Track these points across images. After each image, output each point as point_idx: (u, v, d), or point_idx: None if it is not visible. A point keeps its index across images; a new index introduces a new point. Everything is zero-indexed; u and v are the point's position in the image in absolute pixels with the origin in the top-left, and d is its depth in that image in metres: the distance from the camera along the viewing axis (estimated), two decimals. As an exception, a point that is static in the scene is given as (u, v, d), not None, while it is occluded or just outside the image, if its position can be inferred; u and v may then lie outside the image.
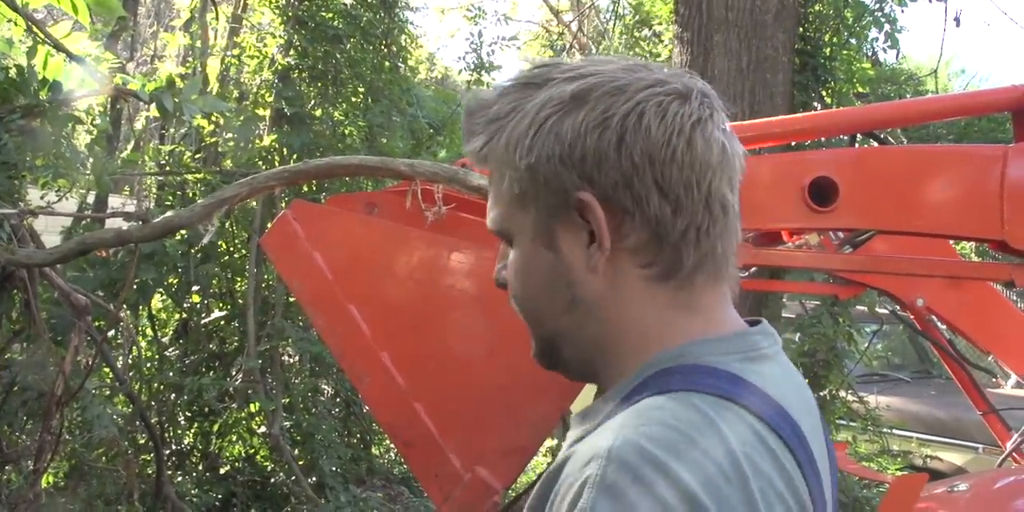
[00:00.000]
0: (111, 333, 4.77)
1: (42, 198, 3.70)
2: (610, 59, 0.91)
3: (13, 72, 3.08)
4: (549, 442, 7.12)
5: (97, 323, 3.97)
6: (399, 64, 6.53)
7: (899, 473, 5.32)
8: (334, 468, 5.49)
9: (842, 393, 5.90)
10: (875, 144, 2.77)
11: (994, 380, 6.80)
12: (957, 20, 6.42)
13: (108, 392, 5.02)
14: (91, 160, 3.80)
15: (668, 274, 0.88)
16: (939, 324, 3.34)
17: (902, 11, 6.51)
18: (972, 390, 3.37)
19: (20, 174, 3.22)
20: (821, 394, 5.61)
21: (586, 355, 0.94)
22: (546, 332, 0.96)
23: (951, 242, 3.33)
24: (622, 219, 0.86)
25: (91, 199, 5.43)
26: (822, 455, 0.95)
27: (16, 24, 3.47)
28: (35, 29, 3.36)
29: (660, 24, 9.93)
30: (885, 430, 6.07)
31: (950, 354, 3.36)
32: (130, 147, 6.87)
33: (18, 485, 4.12)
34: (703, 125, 0.86)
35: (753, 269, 2.90)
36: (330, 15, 5.88)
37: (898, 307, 3.32)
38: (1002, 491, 2.75)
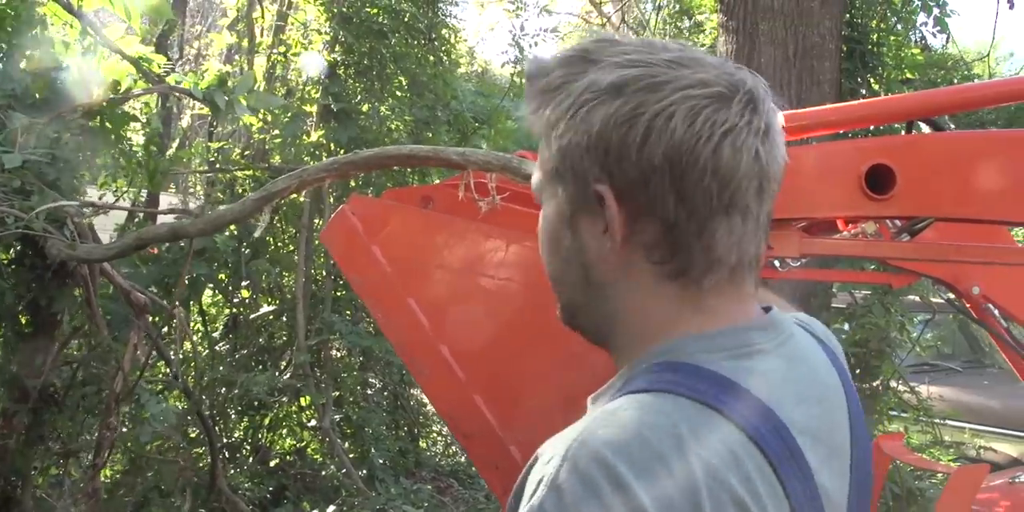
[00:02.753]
0: (164, 329, 4.84)
1: (100, 198, 3.77)
2: (669, 47, 0.89)
3: (75, 73, 3.14)
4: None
5: (153, 319, 4.04)
6: (443, 58, 6.54)
7: (954, 464, 5.25)
8: (383, 461, 5.54)
9: (893, 383, 5.83)
10: (929, 130, 2.73)
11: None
12: (1011, 1, 6.25)
13: (161, 387, 5.11)
14: (145, 158, 3.86)
15: (677, 274, 0.88)
16: (995, 312, 3.29)
17: (951, -6, 6.39)
18: (1031, 379, 3.31)
19: (80, 173, 3.28)
20: (873, 384, 5.55)
21: (599, 329, 0.96)
22: (565, 298, 0.98)
23: (1008, 229, 3.28)
24: (637, 215, 0.86)
25: (142, 198, 5.51)
26: (836, 450, 0.94)
27: (72, 27, 3.53)
28: (90, 31, 3.42)
29: (702, 13, 9.84)
30: (937, 421, 5.98)
31: (1008, 343, 3.30)
32: (175, 145, 6.95)
33: (77, 478, 4.21)
34: (736, 133, 0.84)
35: (804, 259, 2.87)
36: (374, 10, 5.91)
37: (952, 295, 3.27)
38: (1067, 481, 2.71)
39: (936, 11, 6.33)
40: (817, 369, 0.98)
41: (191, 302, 5.45)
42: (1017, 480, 2.71)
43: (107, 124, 3.40)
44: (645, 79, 0.85)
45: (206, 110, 4.05)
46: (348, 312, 5.70)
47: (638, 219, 0.87)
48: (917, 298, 6.51)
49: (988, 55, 7.00)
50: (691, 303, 0.89)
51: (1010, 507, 2.55)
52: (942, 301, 5.92)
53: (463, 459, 6.44)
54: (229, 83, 3.73)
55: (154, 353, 3.92)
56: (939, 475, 5.17)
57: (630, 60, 0.87)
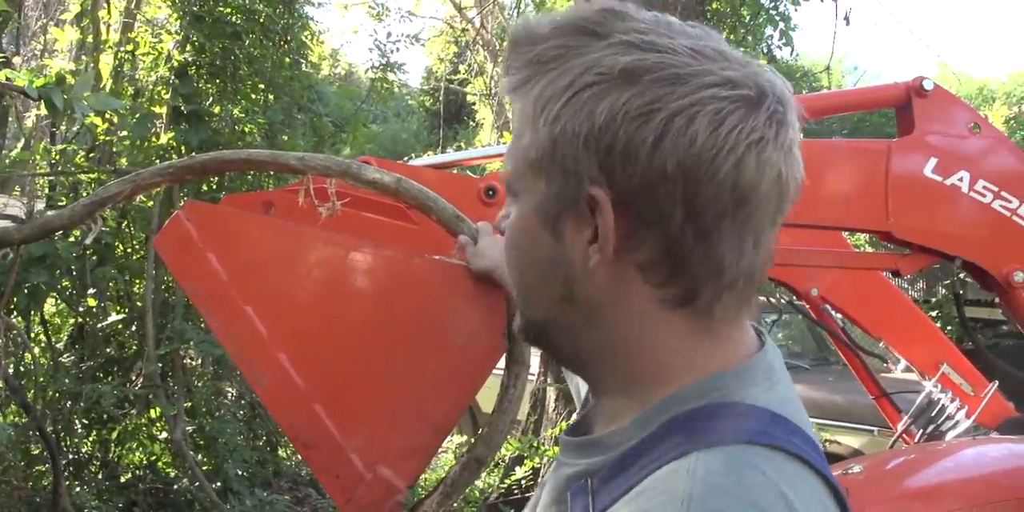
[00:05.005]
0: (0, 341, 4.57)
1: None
2: (687, 31, 0.76)
3: None
4: (457, 438, 7.13)
5: (-16, 330, 3.80)
6: (300, 60, 6.42)
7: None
8: (239, 472, 5.38)
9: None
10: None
11: (885, 365, 7.07)
12: (847, 19, 6.66)
13: (-2, 402, 4.82)
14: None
15: (683, 301, 0.77)
16: (833, 313, 3.46)
17: (795, 10, 6.73)
18: (865, 376, 3.50)
19: None
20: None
21: (582, 355, 0.84)
22: (538, 314, 0.85)
23: (844, 234, 3.45)
24: (635, 228, 0.74)
25: (-24, 201, 5.20)
26: None
27: None
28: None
29: (563, 21, 10.02)
30: (786, 416, 6.22)
31: (844, 341, 3.49)
32: (20, 146, 6.58)
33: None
34: (761, 146, 0.72)
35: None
36: (228, 10, 5.74)
37: (794, 297, 3.42)
38: (892, 472, 2.85)
39: (781, 25, 6.64)
40: None
41: (32, 312, 5.17)
42: (850, 471, 2.84)
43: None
44: (666, 69, 0.72)
45: (47, 109, 3.84)
46: (201, 320, 5.51)
47: (635, 232, 0.74)
48: (764, 299, 6.77)
49: (828, 67, 7.38)
50: (706, 334, 0.79)
51: (841, 498, 2.67)
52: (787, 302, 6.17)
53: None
54: (70, 81, 3.54)
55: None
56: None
57: (646, 42, 0.74)
